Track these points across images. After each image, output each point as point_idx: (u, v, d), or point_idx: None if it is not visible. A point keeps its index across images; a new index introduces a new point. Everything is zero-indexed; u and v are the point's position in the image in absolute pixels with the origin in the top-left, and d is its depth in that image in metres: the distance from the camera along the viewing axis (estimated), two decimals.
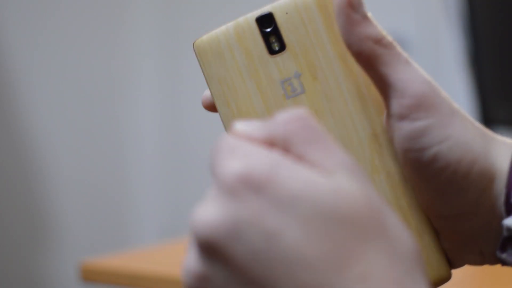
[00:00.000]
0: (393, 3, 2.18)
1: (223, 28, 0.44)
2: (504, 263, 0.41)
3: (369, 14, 0.43)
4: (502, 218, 0.40)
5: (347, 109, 0.42)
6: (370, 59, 0.41)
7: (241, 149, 0.33)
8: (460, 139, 0.40)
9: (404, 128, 0.40)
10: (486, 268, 0.86)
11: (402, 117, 0.40)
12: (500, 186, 0.40)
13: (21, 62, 2.09)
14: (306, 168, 0.32)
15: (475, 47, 1.40)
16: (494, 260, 0.42)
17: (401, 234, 0.31)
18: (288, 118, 0.34)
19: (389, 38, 0.42)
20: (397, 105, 0.40)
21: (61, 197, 2.19)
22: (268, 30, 0.43)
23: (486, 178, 0.40)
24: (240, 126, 0.34)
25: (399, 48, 0.42)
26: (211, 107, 0.45)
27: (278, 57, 0.43)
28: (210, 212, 0.32)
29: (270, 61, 0.43)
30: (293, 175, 0.31)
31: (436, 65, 2.15)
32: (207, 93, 0.45)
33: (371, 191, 0.32)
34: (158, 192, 2.51)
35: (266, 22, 0.44)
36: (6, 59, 2.05)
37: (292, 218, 0.30)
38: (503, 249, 0.40)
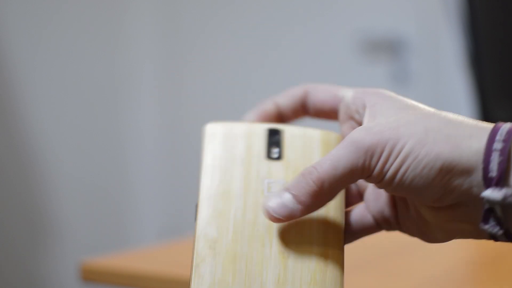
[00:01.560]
0: (393, 3, 2.18)
1: (239, 123, 0.50)
2: (491, 235, 0.43)
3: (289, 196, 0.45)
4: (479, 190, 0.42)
5: (310, 222, 0.46)
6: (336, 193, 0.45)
7: None
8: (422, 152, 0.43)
9: (373, 176, 0.44)
10: (486, 268, 0.87)
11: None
12: (476, 164, 0.43)
13: (21, 63, 2.09)
14: None
15: (475, 47, 1.40)
16: (479, 232, 0.44)
17: None
18: None
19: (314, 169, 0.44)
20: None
21: (61, 197, 2.20)
22: (273, 140, 0.49)
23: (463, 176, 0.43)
24: None
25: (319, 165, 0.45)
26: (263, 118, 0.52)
27: (272, 163, 0.48)
28: None
29: (264, 162, 0.48)
30: None
31: (436, 65, 2.15)
32: (249, 115, 0.52)
33: None
34: (158, 192, 2.52)
35: (275, 134, 0.49)
36: (7, 59, 2.05)
37: None
38: (486, 221, 0.42)
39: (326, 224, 0.46)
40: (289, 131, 0.50)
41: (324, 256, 0.45)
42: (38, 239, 2.13)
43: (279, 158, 0.48)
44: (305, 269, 0.44)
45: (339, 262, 0.45)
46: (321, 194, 0.44)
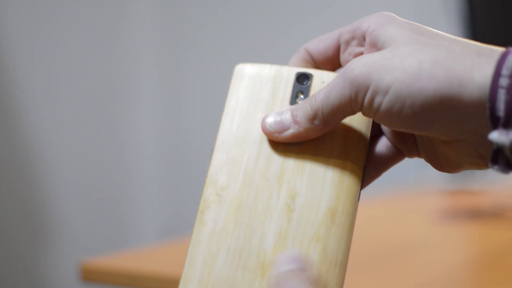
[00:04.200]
0: (393, 3, 2.18)
1: (268, 65, 0.49)
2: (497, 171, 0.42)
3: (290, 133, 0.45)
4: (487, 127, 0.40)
5: (324, 177, 0.45)
6: (333, 121, 0.44)
7: None
8: (410, 75, 0.41)
9: (364, 108, 0.43)
10: (486, 268, 0.87)
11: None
12: (483, 94, 0.40)
13: (21, 62, 2.09)
14: None
15: None
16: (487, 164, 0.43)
17: None
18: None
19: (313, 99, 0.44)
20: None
21: (61, 197, 2.20)
22: (302, 86, 0.48)
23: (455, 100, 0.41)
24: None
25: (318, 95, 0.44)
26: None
27: None
28: None
29: (287, 108, 0.46)
30: None
31: None
32: None
33: None
34: (158, 192, 2.51)
35: (303, 79, 0.48)
36: (6, 59, 2.05)
37: None
38: (495, 161, 0.41)
39: (341, 179, 0.45)
40: (318, 75, 0.48)
41: (333, 211, 0.44)
42: (38, 239, 2.13)
43: None
44: (309, 224, 0.43)
45: (349, 219, 0.44)
46: (316, 120, 0.44)
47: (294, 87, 0.47)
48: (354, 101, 0.42)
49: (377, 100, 0.41)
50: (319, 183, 0.44)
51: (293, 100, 0.47)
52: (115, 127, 2.38)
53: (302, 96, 0.47)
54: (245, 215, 0.44)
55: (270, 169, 0.45)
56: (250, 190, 0.44)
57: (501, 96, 0.39)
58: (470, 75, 0.39)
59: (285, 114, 0.45)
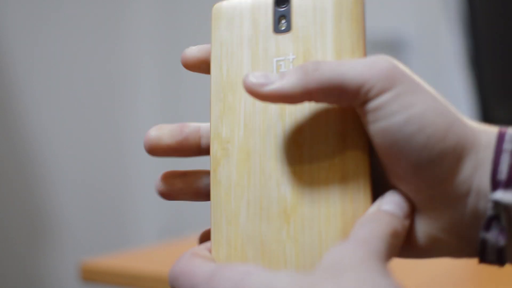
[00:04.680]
0: (393, 3, 2.18)
1: None
2: (483, 245, 0.39)
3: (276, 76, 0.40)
4: (481, 193, 0.39)
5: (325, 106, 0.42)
6: (321, 97, 0.40)
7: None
8: (432, 104, 0.39)
9: (371, 104, 0.39)
10: (486, 268, 0.86)
11: (366, 101, 0.39)
12: (480, 157, 0.39)
13: (21, 63, 2.09)
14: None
15: (475, 47, 1.40)
16: (471, 251, 0.41)
17: None
18: None
19: (311, 73, 0.39)
20: (361, 91, 0.39)
21: (61, 197, 2.19)
22: (281, 9, 0.44)
23: (462, 145, 0.39)
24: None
25: (322, 67, 0.40)
26: (191, 65, 0.45)
27: (280, 36, 0.43)
28: None
29: (272, 38, 0.43)
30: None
31: (436, 65, 2.15)
32: (192, 48, 0.45)
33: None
34: None
35: (282, 2, 0.44)
36: (6, 59, 2.05)
37: None
38: (488, 227, 0.39)
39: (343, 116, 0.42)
40: None
41: (343, 134, 0.41)
42: (38, 239, 2.13)
43: (287, 29, 0.43)
44: (323, 154, 0.41)
45: (362, 139, 0.41)
46: (307, 82, 0.39)
47: (275, 13, 0.44)
48: (359, 95, 0.39)
49: (388, 109, 0.38)
50: (322, 110, 0.41)
51: (276, 27, 0.44)
52: (115, 127, 2.38)
53: (284, 21, 0.44)
54: (256, 163, 0.42)
55: (269, 108, 0.42)
56: (255, 135, 0.42)
57: (505, 158, 0.38)
58: (479, 135, 0.40)
59: (271, 74, 0.40)
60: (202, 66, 0.45)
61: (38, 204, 2.14)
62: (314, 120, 0.41)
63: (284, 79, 0.39)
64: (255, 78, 0.39)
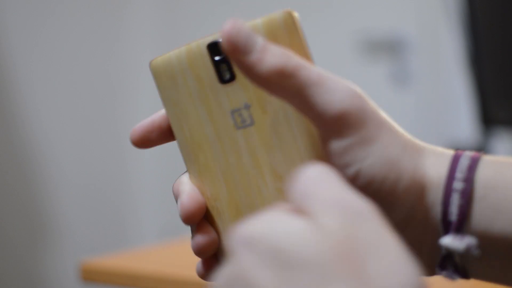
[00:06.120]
0: (393, 3, 2.18)
1: (176, 51, 0.43)
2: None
3: (261, 44, 0.38)
4: (435, 231, 0.39)
5: (296, 146, 0.41)
6: (281, 94, 0.39)
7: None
8: (384, 155, 0.38)
9: (329, 146, 0.39)
10: None
11: (325, 139, 0.39)
12: (432, 198, 0.39)
13: (21, 63, 2.09)
14: (291, 219, 0.30)
15: (475, 47, 1.40)
16: (430, 271, 0.41)
17: (384, 273, 0.29)
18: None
19: (292, 60, 0.38)
20: (319, 129, 0.39)
21: (61, 197, 2.20)
22: (218, 58, 0.42)
23: (414, 193, 0.39)
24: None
25: (306, 67, 0.38)
26: (138, 141, 0.44)
27: (229, 87, 0.42)
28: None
29: (221, 90, 0.42)
30: (277, 227, 0.30)
31: (436, 65, 2.15)
32: (134, 129, 0.44)
33: (355, 231, 0.30)
34: (158, 192, 2.51)
35: (217, 49, 0.42)
36: (6, 59, 2.05)
37: (268, 269, 0.29)
38: (443, 266, 0.40)
39: (311, 140, 0.41)
40: None
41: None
42: (38, 239, 2.13)
43: (232, 78, 0.41)
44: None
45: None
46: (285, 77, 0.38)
47: (214, 63, 0.42)
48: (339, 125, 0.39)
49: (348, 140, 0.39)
50: (296, 153, 0.41)
51: (221, 77, 0.42)
52: (115, 127, 2.38)
53: (226, 69, 0.41)
54: (246, 214, 0.42)
55: (242, 161, 0.42)
56: (238, 190, 0.42)
57: (455, 199, 0.38)
58: (428, 169, 0.40)
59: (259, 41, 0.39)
60: (152, 136, 0.44)
61: (38, 204, 2.14)
62: (288, 165, 0.41)
63: (262, 54, 0.38)
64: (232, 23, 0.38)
